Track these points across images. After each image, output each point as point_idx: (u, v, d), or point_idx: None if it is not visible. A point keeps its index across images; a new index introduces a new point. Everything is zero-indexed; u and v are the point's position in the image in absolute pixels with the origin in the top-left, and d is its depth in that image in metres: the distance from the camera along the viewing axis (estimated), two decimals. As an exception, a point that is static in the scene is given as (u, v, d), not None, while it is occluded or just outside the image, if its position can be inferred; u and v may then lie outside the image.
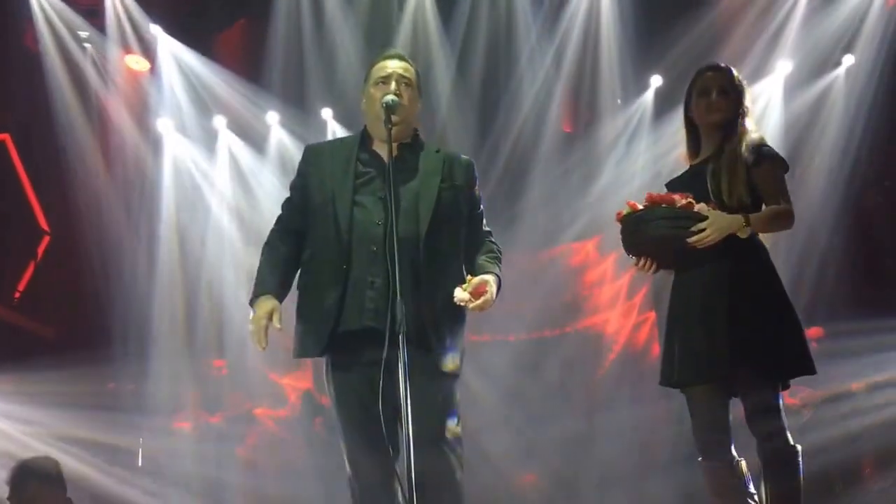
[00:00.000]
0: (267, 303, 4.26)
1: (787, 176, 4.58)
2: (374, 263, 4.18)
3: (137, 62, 10.24)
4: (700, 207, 4.38)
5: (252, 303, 4.31)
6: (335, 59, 10.13)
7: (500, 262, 4.47)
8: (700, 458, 4.55)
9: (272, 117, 10.43)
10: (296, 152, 10.07)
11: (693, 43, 9.61)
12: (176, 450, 9.71)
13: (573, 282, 11.00)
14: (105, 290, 9.85)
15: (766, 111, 9.90)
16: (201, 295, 10.31)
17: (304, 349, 4.31)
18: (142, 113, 10.27)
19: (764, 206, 4.50)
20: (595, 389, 10.37)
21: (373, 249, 4.19)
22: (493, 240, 4.58)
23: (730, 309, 4.38)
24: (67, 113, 9.76)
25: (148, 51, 10.17)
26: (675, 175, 4.91)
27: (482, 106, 10.49)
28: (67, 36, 9.78)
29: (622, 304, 10.85)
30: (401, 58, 4.51)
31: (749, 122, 4.67)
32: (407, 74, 4.43)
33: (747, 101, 4.72)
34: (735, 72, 4.77)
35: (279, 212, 4.57)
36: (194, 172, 10.48)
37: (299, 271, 4.42)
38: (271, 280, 4.36)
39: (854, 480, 8.52)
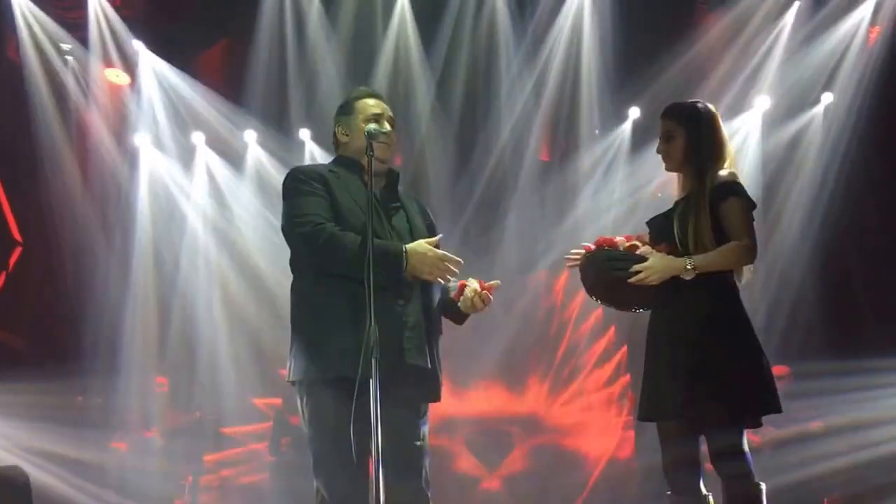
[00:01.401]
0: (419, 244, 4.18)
1: (758, 212, 4.57)
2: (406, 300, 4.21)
3: (118, 76, 10.24)
4: (644, 250, 4.45)
5: (401, 255, 4.11)
6: (315, 81, 10.15)
7: None
8: (668, 493, 4.55)
9: (250, 136, 10.43)
10: (273, 171, 10.10)
11: (672, 76, 9.68)
12: (140, 464, 9.65)
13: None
14: (77, 303, 9.83)
15: (743, 147, 9.96)
16: (174, 310, 10.26)
17: (346, 368, 4.03)
18: (120, 127, 10.27)
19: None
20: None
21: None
22: None
23: (696, 348, 4.38)
24: (45, 124, 9.74)
25: (129, 65, 10.17)
26: (658, 211, 4.82)
27: (461, 133, 10.53)
28: (50, 48, 9.78)
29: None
30: (384, 99, 4.56)
31: (719, 163, 4.54)
32: (393, 117, 4.51)
33: (721, 136, 4.64)
34: (685, 109, 4.68)
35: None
36: (170, 187, 10.46)
37: (337, 286, 4.19)
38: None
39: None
